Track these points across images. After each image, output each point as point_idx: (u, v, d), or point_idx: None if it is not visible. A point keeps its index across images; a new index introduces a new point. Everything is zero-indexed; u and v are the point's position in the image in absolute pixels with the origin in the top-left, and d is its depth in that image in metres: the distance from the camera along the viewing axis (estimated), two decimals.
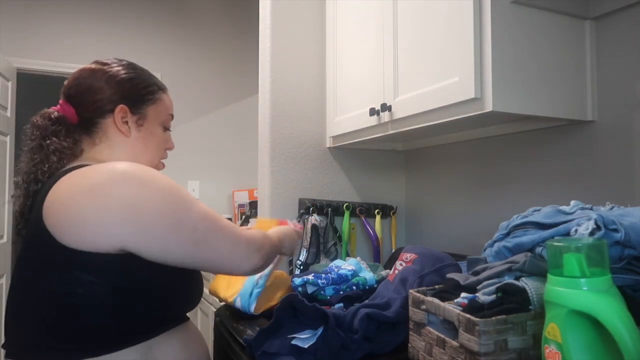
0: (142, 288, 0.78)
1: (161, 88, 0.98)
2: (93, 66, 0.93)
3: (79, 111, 0.90)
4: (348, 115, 1.61)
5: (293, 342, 0.88)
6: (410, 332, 0.88)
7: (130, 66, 0.96)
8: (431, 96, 1.19)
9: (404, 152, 1.93)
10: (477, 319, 0.69)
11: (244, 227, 1.13)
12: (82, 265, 0.73)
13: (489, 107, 1.03)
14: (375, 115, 1.41)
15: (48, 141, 0.87)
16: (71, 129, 0.90)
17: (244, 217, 3.12)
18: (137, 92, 0.93)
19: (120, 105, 0.90)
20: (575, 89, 1.16)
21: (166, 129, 0.99)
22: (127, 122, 0.92)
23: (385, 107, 1.35)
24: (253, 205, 2.94)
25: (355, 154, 1.85)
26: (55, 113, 0.91)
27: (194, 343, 0.92)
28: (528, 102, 1.08)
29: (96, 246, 0.72)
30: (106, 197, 0.73)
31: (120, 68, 0.93)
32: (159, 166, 1.00)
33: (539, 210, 0.92)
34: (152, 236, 0.75)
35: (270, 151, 1.71)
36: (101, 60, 0.95)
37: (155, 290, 0.80)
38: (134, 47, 3.29)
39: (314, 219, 1.66)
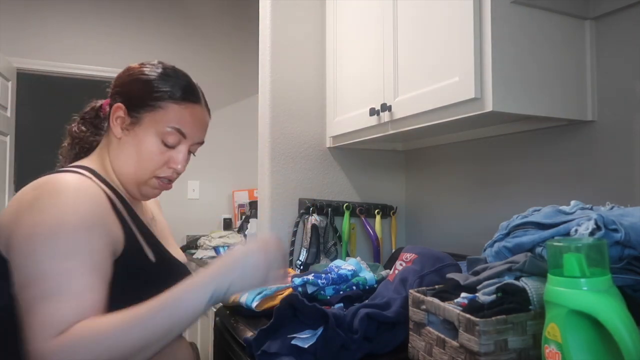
0: None
1: (174, 98, 0.89)
2: (135, 65, 0.95)
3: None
4: (348, 115, 1.61)
5: (293, 342, 0.88)
6: (410, 332, 0.88)
7: (159, 68, 0.92)
8: (431, 96, 1.19)
9: (404, 152, 1.93)
10: (477, 319, 0.69)
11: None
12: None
13: (489, 107, 1.03)
14: (375, 115, 1.41)
15: (75, 125, 0.97)
16: (97, 122, 0.97)
17: (244, 217, 3.12)
18: (141, 94, 0.89)
19: (118, 104, 0.89)
20: (575, 89, 1.16)
21: (166, 144, 0.89)
22: (120, 122, 0.89)
23: (385, 107, 1.35)
24: (253, 205, 2.93)
25: (355, 154, 1.85)
26: (100, 102, 0.99)
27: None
28: (528, 102, 1.08)
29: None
30: (19, 203, 0.76)
31: (148, 68, 0.92)
32: (154, 183, 0.91)
33: (539, 210, 0.92)
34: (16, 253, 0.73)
35: (270, 151, 1.71)
36: (150, 61, 0.94)
37: None
38: (134, 47, 3.29)
39: (314, 219, 1.66)
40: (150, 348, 0.69)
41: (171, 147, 0.89)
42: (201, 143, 0.97)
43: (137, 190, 0.91)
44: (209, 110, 0.99)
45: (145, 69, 0.92)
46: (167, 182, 0.93)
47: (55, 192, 0.76)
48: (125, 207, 0.88)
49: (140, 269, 0.85)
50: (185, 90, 0.91)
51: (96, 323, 0.68)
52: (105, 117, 0.95)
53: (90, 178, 0.83)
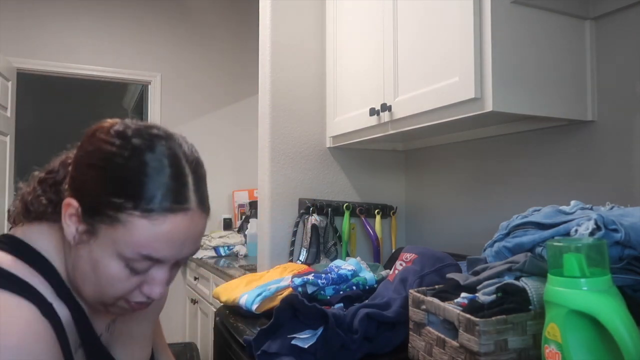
0: None
1: (144, 210, 0.58)
2: (107, 125, 0.64)
3: None
4: (348, 115, 1.61)
5: (293, 342, 0.88)
6: (410, 332, 0.88)
7: (128, 147, 0.60)
8: (431, 96, 1.19)
9: (404, 152, 1.93)
10: (477, 319, 0.69)
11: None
12: None
13: (489, 107, 1.03)
14: (375, 115, 1.41)
15: (28, 191, 0.69)
16: (59, 187, 0.68)
17: (244, 217, 3.12)
18: (96, 195, 0.60)
19: (69, 199, 0.61)
20: (575, 89, 1.16)
21: (133, 270, 0.61)
22: (75, 222, 0.61)
23: (385, 107, 1.35)
24: (253, 205, 2.93)
25: (355, 154, 1.85)
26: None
27: None
28: (528, 102, 1.08)
29: None
30: None
31: (115, 144, 0.61)
32: (124, 306, 0.65)
33: (539, 210, 0.92)
34: None
35: (270, 151, 1.71)
36: (127, 122, 0.64)
37: None
38: (133, 47, 3.29)
39: (314, 219, 1.66)
40: None
41: (141, 272, 0.62)
42: (183, 260, 0.66)
43: (103, 308, 0.66)
44: (207, 210, 0.68)
45: (108, 145, 0.61)
46: (141, 305, 0.66)
47: None
48: (77, 322, 0.65)
49: None
50: (166, 194, 0.59)
51: None
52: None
53: (37, 292, 0.60)
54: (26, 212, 0.68)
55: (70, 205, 0.61)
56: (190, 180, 0.63)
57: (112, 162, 0.60)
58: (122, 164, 0.59)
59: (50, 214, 0.67)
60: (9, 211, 0.72)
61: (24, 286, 0.59)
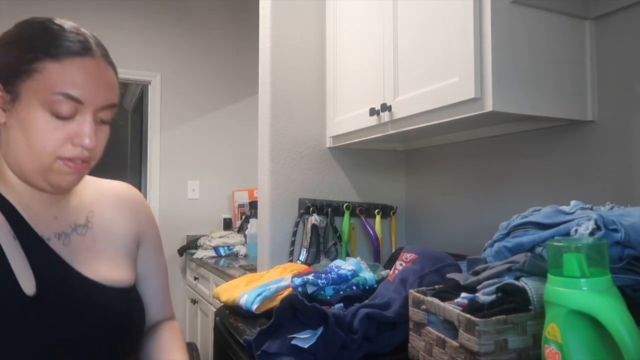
0: None
1: (52, 55, 0.67)
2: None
3: None
4: (348, 115, 1.61)
5: (293, 342, 0.88)
6: (410, 332, 0.88)
7: (33, 24, 0.72)
8: (431, 96, 1.19)
9: (404, 152, 1.93)
10: (477, 319, 0.69)
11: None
12: None
13: (489, 107, 1.03)
14: (375, 115, 1.41)
15: None
16: None
17: (244, 217, 3.12)
18: (11, 60, 0.68)
19: None
20: (575, 89, 1.16)
21: (59, 116, 0.68)
22: (0, 103, 0.69)
23: (385, 107, 1.35)
24: (253, 205, 2.93)
25: (355, 154, 1.85)
26: None
27: None
28: (528, 102, 1.08)
29: None
30: None
31: (16, 28, 0.72)
32: (60, 168, 0.70)
33: (539, 210, 0.92)
34: None
35: (270, 151, 1.71)
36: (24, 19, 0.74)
37: None
38: (133, 47, 3.29)
39: (314, 219, 1.66)
40: None
41: (67, 118, 0.68)
42: (112, 106, 0.74)
43: (44, 181, 0.71)
44: (112, 64, 0.77)
45: (13, 29, 0.73)
46: (79, 164, 0.71)
47: None
48: (8, 217, 0.70)
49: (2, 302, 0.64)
50: (67, 41, 0.69)
51: None
52: None
53: None
54: None
55: None
56: (91, 38, 0.74)
57: (20, 33, 0.71)
58: (30, 31, 0.70)
59: None
60: None
61: None
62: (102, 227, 0.83)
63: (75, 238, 0.78)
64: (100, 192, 0.88)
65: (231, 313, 1.25)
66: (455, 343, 0.74)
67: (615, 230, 0.75)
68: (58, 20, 0.73)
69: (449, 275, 0.90)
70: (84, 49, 0.71)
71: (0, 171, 0.73)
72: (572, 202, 0.90)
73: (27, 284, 0.67)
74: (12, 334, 0.63)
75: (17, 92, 0.68)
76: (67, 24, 0.73)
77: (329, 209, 1.72)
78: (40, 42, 0.68)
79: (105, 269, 0.79)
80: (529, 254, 0.80)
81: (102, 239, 0.82)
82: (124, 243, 0.86)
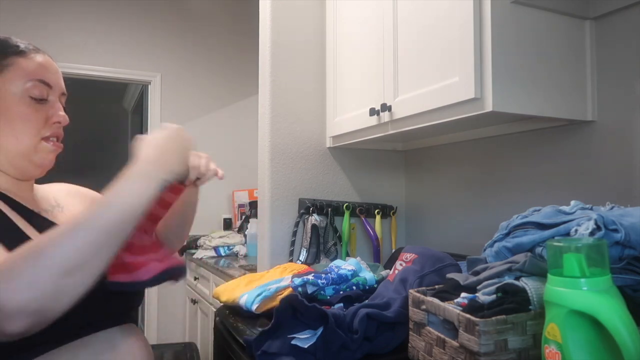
0: None
1: (17, 52, 0.81)
2: None
3: None
4: (348, 115, 1.61)
5: (293, 342, 0.88)
6: (410, 332, 0.88)
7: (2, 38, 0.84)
8: (431, 96, 1.19)
9: (404, 152, 1.93)
10: (477, 319, 0.69)
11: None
12: None
13: (489, 107, 1.03)
14: (375, 115, 1.41)
15: None
16: None
17: (244, 217, 3.12)
18: None
19: None
20: (575, 89, 1.16)
21: (35, 98, 0.80)
22: None
23: (385, 107, 1.35)
24: (253, 205, 2.93)
25: (355, 154, 1.85)
26: None
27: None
28: (528, 102, 1.08)
29: None
30: None
31: None
32: (44, 147, 0.82)
33: (539, 210, 0.92)
34: None
35: (270, 151, 1.71)
36: None
37: None
38: (133, 47, 3.29)
39: (314, 219, 1.66)
40: (103, 250, 0.61)
41: (42, 100, 0.81)
42: (65, 95, 0.88)
43: (29, 163, 0.81)
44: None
45: None
46: (56, 141, 0.84)
47: None
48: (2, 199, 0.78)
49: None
50: (23, 44, 0.84)
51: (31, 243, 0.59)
52: None
53: None
54: None
55: None
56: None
57: None
58: None
59: None
60: None
61: None
62: (70, 209, 0.93)
63: (57, 213, 0.88)
64: (49, 189, 0.97)
65: (231, 313, 1.25)
66: (455, 343, 0.74)
67: (615, 231, 0.75)
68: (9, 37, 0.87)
69: (449, 275, 0.90)
70: (37, 49, 0.86)
71: None
72: (572, 202, 0.90)
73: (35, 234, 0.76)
74: None
75: None
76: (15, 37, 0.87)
77: (329, 209, 1.72)
78: (7, 46, 0.82)
79: None
80: (529, 254, 0.80)
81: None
82: None
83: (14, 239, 0.70)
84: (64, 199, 0.95)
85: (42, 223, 0.81)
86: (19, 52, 0.81)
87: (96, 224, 0.61)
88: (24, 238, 0.73)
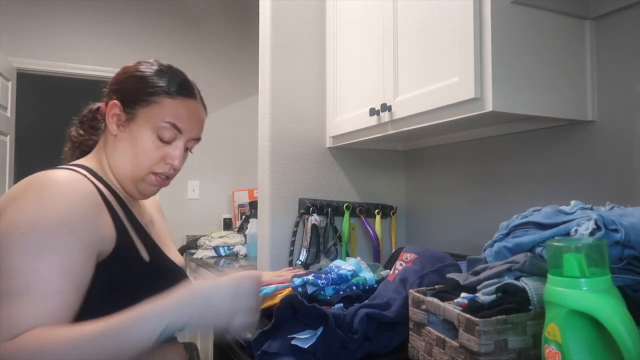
0: None
1: (169, 93, 0.89)
2: (133, 64, 0.96)
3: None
4: (348, 115, 1.61)
5: (293, 342, 0.88)
6: (410, 332, 0.88)
7: (155, 65, 0.93)
8: (431, 96, 1.19)
9: (404, 152, 1.93)
10: (477, 319, 0.69)
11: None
12: None
13: (489, 107, 1.03)
14: (375, 115, 1.41)
15: (74, 130, 0.99)
16: (95, 124, 0.98)
17: (244, 217, 3.12)
18: (136, 89, 0.89)
19: (113, 101, 0.90)
20: (575, 89, 1.16)
21: (162, 139, 0.89)
22: (116, 119, 0.90)
23: (385, 107, 1.35)
24: (253, 205, 2.93)
25: (355, 154, 1.85)
26: (97, 105, 1.00)
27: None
28: (528, 102, 1.08)
29: None
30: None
31: (144, 66, 0.93)
32: (151, 180, 0.91)
33: (539, 210, 0.92)
34: None
35: (270, 151, 1.71)
36: (147, 59, 0.96)
37: None
38: (133, 47, 3.29)
39: (314, 219, 1.66)
40: None
41: (167, 142, 0.89)
42: (198, 139, 0.97)
43: (134, 187, 0.91)
44: (205, 107, 1.00)
45: (140, 66, 0.93)
46: (164, 179, 0.92)
47: (40, 188, 0.75)
48: (121, 205, 0.88)
49: (132, 267, 0.84)
50: (180, 86, 0.91)
51: (49, 334, 0.66)
52: (103, 118, 0.94)
53: (85, 175, 0.83)
54: (73, 148, 0.99)
55: (115, 105, 0.89)
56: (194, 85, 0.97)
57: (146, 71, 0.92)
58: (153, 71, 0.92)
59: (88, 142, 0.98)
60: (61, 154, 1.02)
61: (81, 173, 0.83)
62: (158, 226, 1.05)
63: (151, 229, 0.97)
64: (146, 202, 1.07)
65: None
66: (455, 343, 0.74)
67: (616, 231, 0.75)
68: (174, 67, 0.96)
69: (449, 275, 0.90)
70: (191, 93, 0.94)
71: (107, 172, 0.91)
72: (572, 202, 0.90)
73: (144, 253, 0.87)
74: (141, 291, 0.75)
75: (135, 114, 0.88)
76: (182, 73, 0.96)
77: (329, 209, 1.72)
78: (163, 82, 0.90)
79: (173, 253, 1.01)
80: (529, 254, 0.80)
81: (161, 234, 1.03)
82: (170, 238, 1.11)
83: (133, 260, 0.85)
84: (155, 214, 1.08)
85: (143, 233, 0.90)
86: (170, 94, 0.89)
87: (104, 348, 0.67)
88: (135, 252, 0.85)
